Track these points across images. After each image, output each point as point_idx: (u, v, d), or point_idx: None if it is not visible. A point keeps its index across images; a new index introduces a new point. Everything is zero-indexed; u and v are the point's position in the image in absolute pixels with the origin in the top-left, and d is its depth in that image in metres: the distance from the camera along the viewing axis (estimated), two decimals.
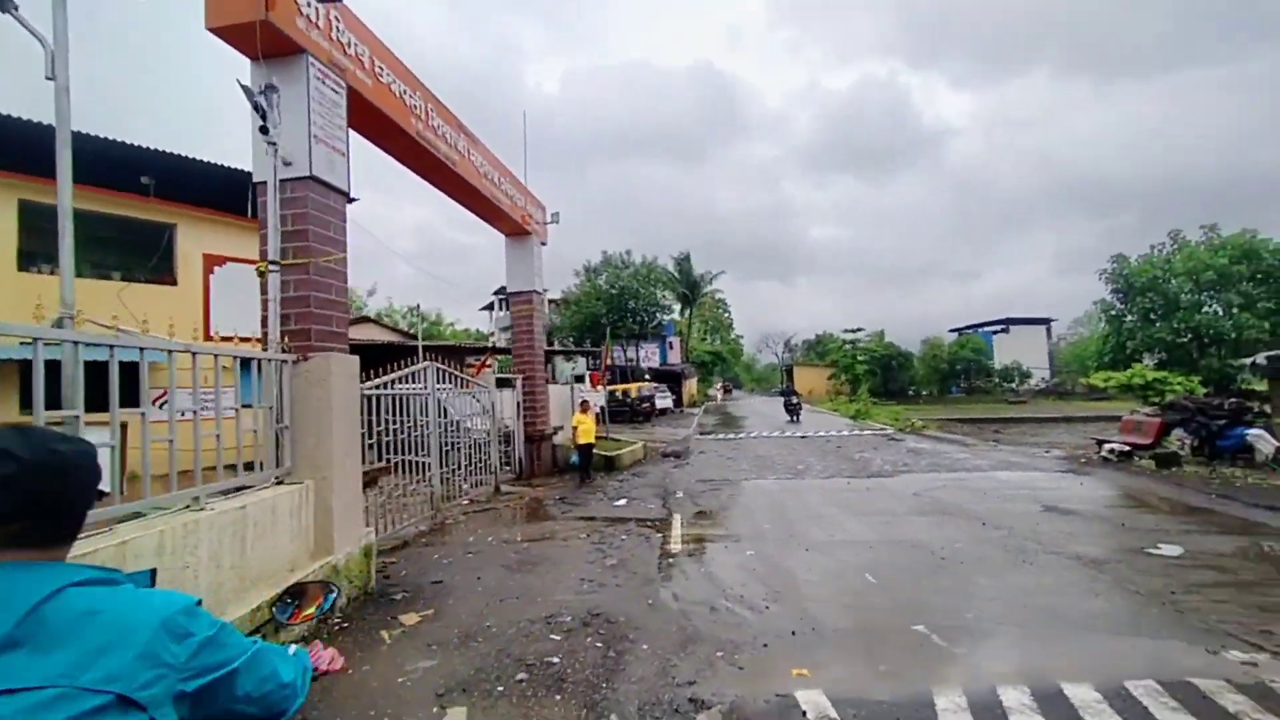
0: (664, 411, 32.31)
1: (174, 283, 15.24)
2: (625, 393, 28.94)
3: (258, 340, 15.38)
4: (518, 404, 11.88)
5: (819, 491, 9.62)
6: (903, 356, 52.90)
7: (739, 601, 4.92)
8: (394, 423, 7.93)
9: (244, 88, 4.53)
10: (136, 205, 14.86)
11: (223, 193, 16.72)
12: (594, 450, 11.77)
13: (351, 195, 6.23)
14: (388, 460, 7.49)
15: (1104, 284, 26.74)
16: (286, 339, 5.58)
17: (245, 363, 4.53)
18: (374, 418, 7.53)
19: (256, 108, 4.58)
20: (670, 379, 38.99)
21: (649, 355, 39.67)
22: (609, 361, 17.99)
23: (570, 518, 8.35)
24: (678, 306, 53.54)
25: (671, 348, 45.51)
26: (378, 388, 7.27)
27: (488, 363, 15.40)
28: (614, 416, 29.05)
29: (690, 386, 45.23)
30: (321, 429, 4.62)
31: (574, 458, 11.83)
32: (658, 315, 39.58)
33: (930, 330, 69.35)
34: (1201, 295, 24.51)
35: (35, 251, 12.76)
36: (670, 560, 6.15)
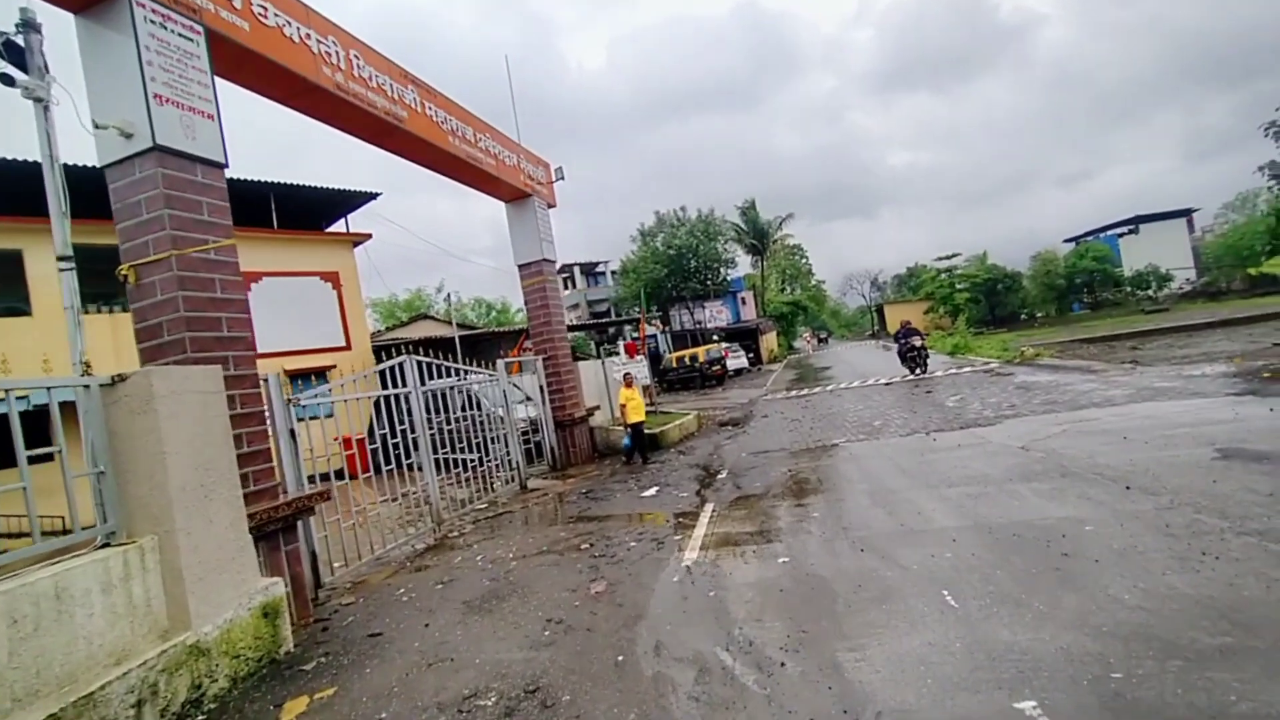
0: (739, 373, 30.36)
1: None
2: (692, 357, 27.28)
3: (306, 352, 14.93)
4: (540, 388, 10.66)
5: (892, 455, 7.66)
6: (1009, 278, 47.12)
7: (745, 654, 3.35)
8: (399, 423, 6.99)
9: None
10: None
11: (251, 208, 16.62)
12: (643, 428, 10.33)
13: (225, 163, 5.06)
14: (410, 463, 6.49)
15: (1273, 141, 21.37)
16: (144, 357, 4.55)
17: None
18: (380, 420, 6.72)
19: (9, 52, 3.39)
20: (744, 337, 36.77)
21: (717, 314, 37.52)
22: (645, 330, 16.38)
23: (582, 519, 7.02)
24: (747, 259, 50.66)
25: (744, 303, 43.01)
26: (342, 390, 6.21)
27: (526, 345, 14.31)
28: (683, 384, 27.65)
29: (769, 342, 42.64)
30: (154, 469, 3.48)
31: (625, 440, 10.52)
32: (722, 271, 37.20)
33: (1040, 244, 61.41)
34: None
35: None
36: (675, 579, 4.64)
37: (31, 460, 3.11)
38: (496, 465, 9.17)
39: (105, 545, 3.44)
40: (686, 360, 27.66)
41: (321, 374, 16.40)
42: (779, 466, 8.15)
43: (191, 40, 4.92)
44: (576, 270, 48.51)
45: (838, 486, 6.63)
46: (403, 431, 7.26)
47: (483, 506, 8.39)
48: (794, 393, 17.87)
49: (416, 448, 7.37)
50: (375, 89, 7.15)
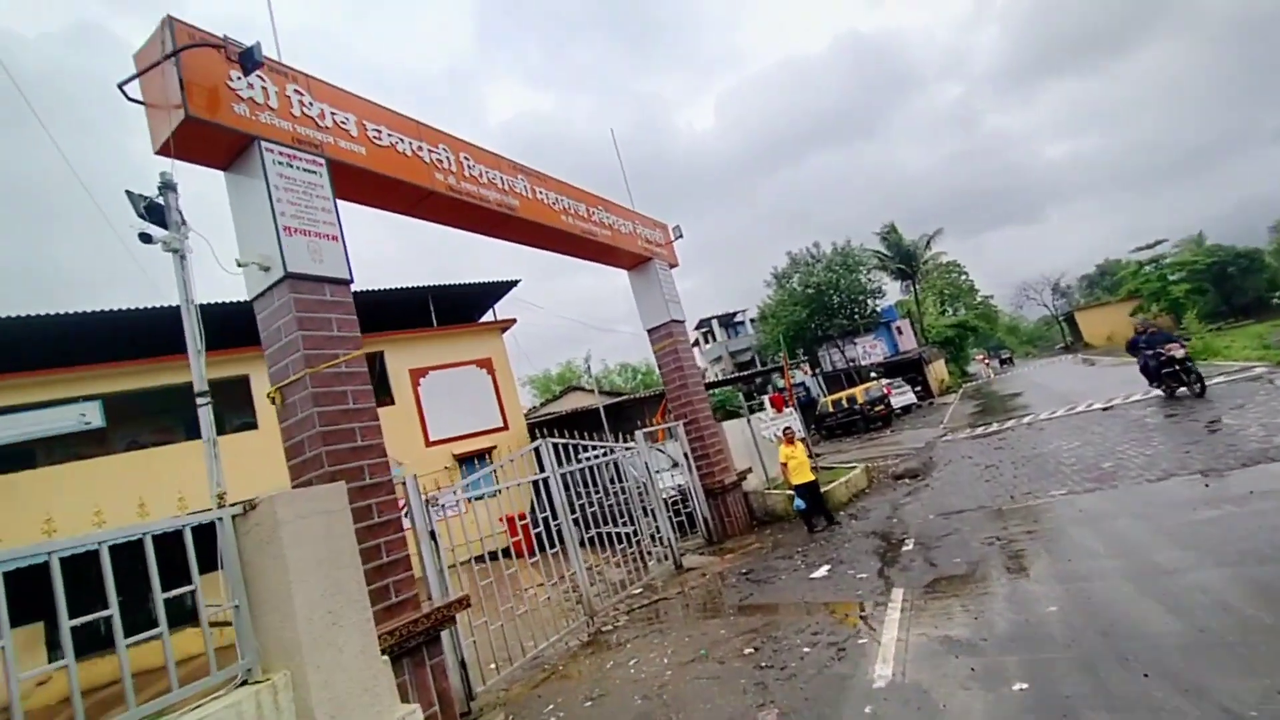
0: (907, 410, 27.30)
1: (392, 402, 16.98)
2: (850, 399, 25.05)
3: (470, 436, 15.85)
4: (685, 454, 10.00)
5: (1146, 512, 5.77)
6: (1244, 258, 38.24)
7: None
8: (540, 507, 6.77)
9: (131, 196, 3.71)
10: None
11: (413, 311, 18.61)
12: (818, 487, 9.16)
13: (350, 278, 5.25)
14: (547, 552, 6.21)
15: None
16: (292, 476, 4.65)
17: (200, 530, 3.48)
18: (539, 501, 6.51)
19: (150, 213, 3.71)
20: (907, 370, 33.33)
21: (870, 349, 34.55)
22: (790, 379, 15.10)
23: (745, 609, 6.07)
24: (896, 286, 46.78)
25: (901, 333, 39.35)
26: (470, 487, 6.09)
27: (668, 409, 13.86)
28: (843, 429, 25.34)
29: (937, 372, 38.27)
30: (282, 599, 3.33)
31: (796, 502, 9.43)
32: (869, 303, 34.48)
33: (1277, 213, 49.46)
34: None
35: None
36: (868, 710, 3.56)
37: (169, 602, 3.07)
38: (650, 540, 8.57)
39: (244, 683, 3.30)
40: (844, 403, 25.45)
41: (484, 455, 17.32)
42: (981, 533, 6.56)
43: (314, 173, 5.28)
44: (714, 323, 48.19)
45: (1074, 563, 5.02)
46: (544, 519, 6.97)
47: (638, 592, 7.76)
48: (980, 429, 15.30)
49: (572, 525, 7.01)
50: (486, 184, 7.36)
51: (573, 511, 7.15)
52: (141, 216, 3.70)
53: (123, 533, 3.03)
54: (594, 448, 8.36)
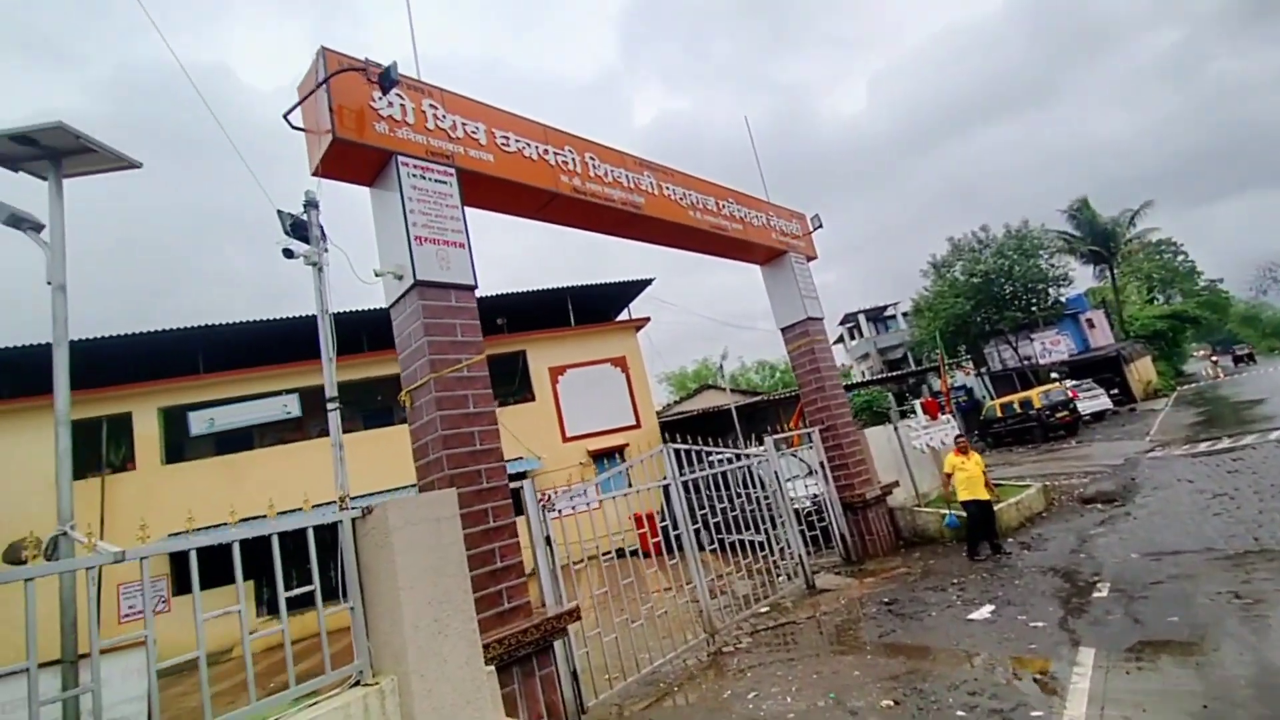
0: (1099, 417, 23.26)
1: (533, 398, 17.94)
2: (1024, 403, 21.91)
3: (604, 433, 16.56)
4: (821, 462, 9.23)
5: None
6: None
7: None
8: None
9: (280, 214, 4.05)
10: (497, 343, 18.15)
11: (552, 311, 19.47)
12: (991, 507, 8.04)
13: (474, 284, 5.37)
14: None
15: None
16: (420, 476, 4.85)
17: (319, 530, 3.71)
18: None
19: (295, 230, 4.02)
20: (1100, 369, 28.43)
21: (1051, 345, 29.94)
22: (947, 381, 13.34)
23: (885, 648, 5.33)
24: (1087, 272, 40.11)
25: (1092, 326, 33.71)
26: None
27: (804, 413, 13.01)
28: (1014, 438, 22.17)
29: (1141, 372, 32.18)
30: (392, 605, 3.43)
31: (947, 517, 8.38)
32: (1051, 291, 29.84)
33: None
34: None
35: (181, 444, 14.74)
36: None
37: (292, 602, 3.26)
38: (780, 554, 8.00)
39: (356, 684, 3.43)
40: (1016, 407, 22.31)
41: (618, 453, 17.63)
42: (1210, 584, 5.16)
43: (445, 183, 5.48)
44: (862, 318, 45.00)
45: None
46: (663, 528, 6.74)
47: (764, 611, 7.25)
48: (1204, 445, 12.44)
49: (694, 536, 6.74)
50: (611, 183, 7.27)
51: (694, 520, 6.83)
52: (287, 233, 4.00)
53: (290, 523, 3.27)
54: (718, 453, 7.96)
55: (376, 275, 5.10)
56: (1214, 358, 41.62)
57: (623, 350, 19.02)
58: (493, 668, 3.84)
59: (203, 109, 7.96)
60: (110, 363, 14.36)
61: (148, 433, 14.09)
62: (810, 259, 10.70)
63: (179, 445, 14.60)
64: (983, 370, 33.24)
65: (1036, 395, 21.60)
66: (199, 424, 13.96)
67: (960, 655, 4.85)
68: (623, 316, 20.81)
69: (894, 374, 29.87)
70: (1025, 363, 30.25)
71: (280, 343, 14.96)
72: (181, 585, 12.38)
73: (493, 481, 4.81)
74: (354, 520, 3.56)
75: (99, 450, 13.56)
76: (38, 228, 3.46)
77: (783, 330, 10.24)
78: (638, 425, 18.22)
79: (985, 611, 5.68)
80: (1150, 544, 6.66)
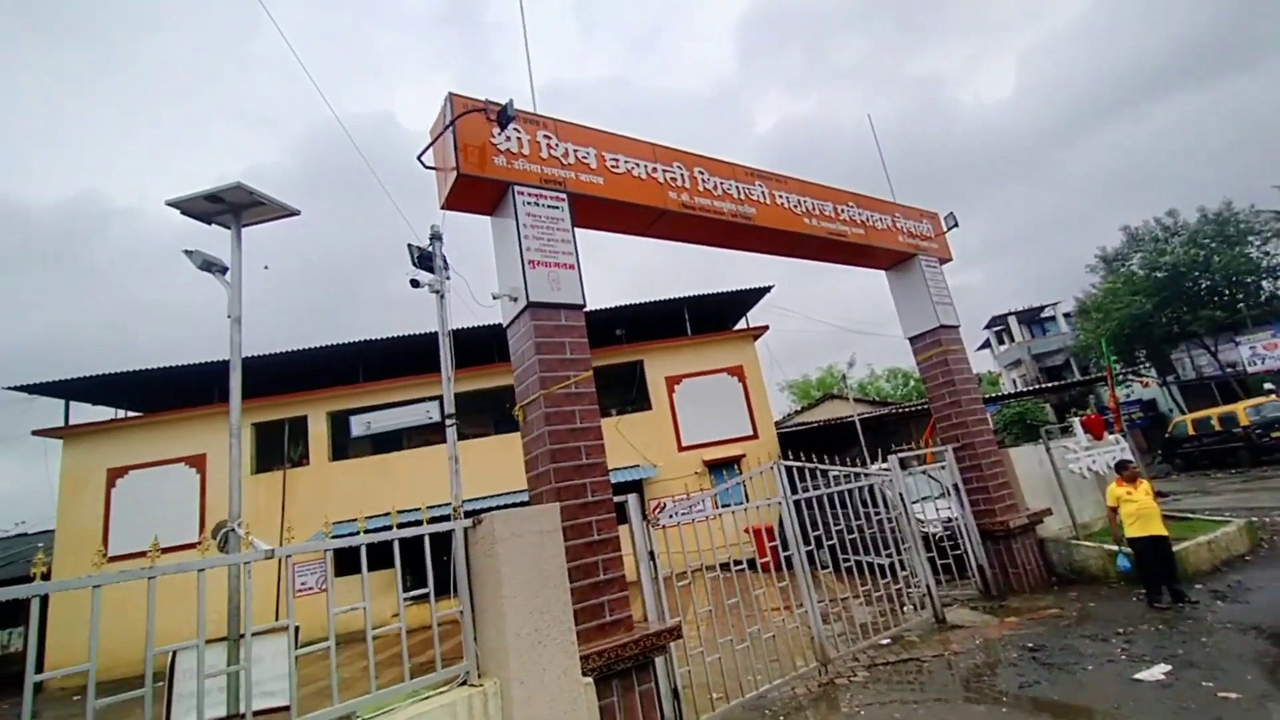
0: None
1: (649, 407, 18.26)
2: (1225, 419, 18.50)
3: (720, 443, 16.61)
4: (954, 485, 8.43)
5: None
6: None
7: None
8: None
9: (410, 248, 4.51)
10: (615, 354, 18.69)
11: (669, 321, 19.68)
12: (1169, 545, 6.90)
13: (583, 303, 5.58)
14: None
15: None
16: (531, 488, 5.11)
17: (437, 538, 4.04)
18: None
19: (421, 261, 4.46)
20: None
21: (1264, 350, 24.86)
22: (1115, 397, 11.50)
23: (1027, 703, 4.73)
24: None
25: None
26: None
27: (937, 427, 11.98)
28: (1212, 461, 18.66)
29: None
30: (496, 612, 3.67)
31: (1119, 558, 7.27)
32: (1262, 285, 24.87)
33: None
34: None
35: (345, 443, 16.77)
36: None
37: (410, 600, 3.60)
38: (906, 583, 7.42)
39: (463, 684, 3.70)
40: (1215, 423, 18.85)
41: (734, 463, 17.38)
42: None
43: (557, 208, 5.77)
44: (1012, 320, 40.51)
45: None
46: (772, 547, 6.53)
47: (885, 643, 6.75)
48: None
49: (805, 557, 6.48)
50: (721, 196, 7.21)
51: (807, 543, 6.54)
52: (415, 265, 4.44)
53: (407, 531, 3.62)
54: (836, 470, 7.56)
55: (494, 298, 5.48)
56: None
57: (740, 359, 18.74)
58: (591, 680, 3.94)
59: (371, 155, 9.09)
60: (290, 370, 16.80)
61: (319, 433, 16.30)
62: (944, 261, 9.86)
63: (343, 444, 16.71)
64: (1170, 379, 28.49)
65: (1243, 410, 18.09)
66: (358, 427, 15.89)
67: None
68: (740, 325, 20.52)
69: (1052, 384, 26.43)
70: (1228, 370, 25.48)
71: (427, 355, 16.57)
72: (342, 568, 14.11)
73: (598, 495, 4.96)
74: (465, 530, 3.85)
75: (281, 447, 15.90)
76: (224, 270, 4.15)
77: (911, 340, 9.52)
78: (755, 436, 17.84)
79: (1158, 672, 4.84)
80: None
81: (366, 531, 3.39)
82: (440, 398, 16.03)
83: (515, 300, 5.45)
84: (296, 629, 3.14)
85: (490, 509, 3.98)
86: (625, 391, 18.85)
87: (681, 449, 17.68)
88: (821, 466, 7.30)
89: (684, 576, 5.65)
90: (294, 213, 4.17)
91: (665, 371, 18.40)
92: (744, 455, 17.30)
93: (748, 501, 6.86)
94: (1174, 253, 25.75)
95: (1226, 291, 25.28)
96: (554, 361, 5.24)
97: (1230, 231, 25.11)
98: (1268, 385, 22.21)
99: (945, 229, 10.00)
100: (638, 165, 6.56)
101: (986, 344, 43.96)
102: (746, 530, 7.86)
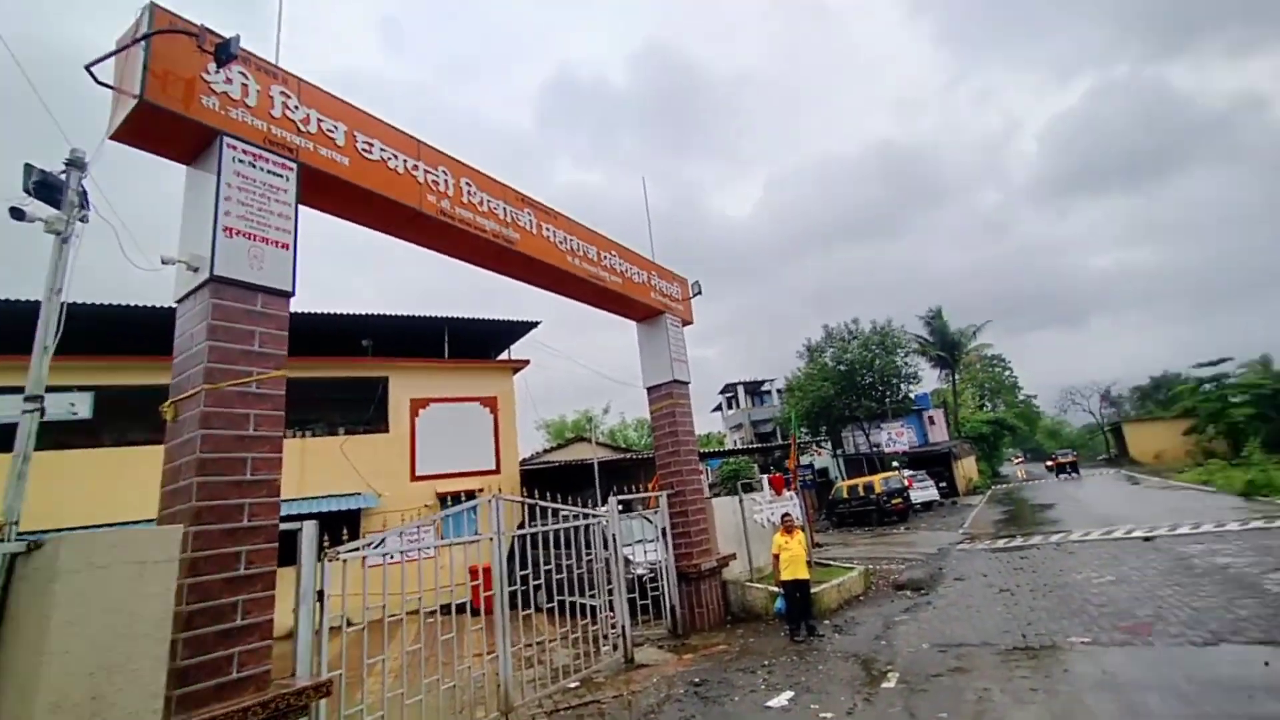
0: (927, 507, 25.64)
1: (386, 429, 16.55)
2: (867, 487, 23.61)
3: (459, 475, 15.26)
4: (662, 529, 9.12)
5: (1187, 694, 4.69)
6: None
7: None
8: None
9: (28, 168, 3.32)
10: (357, 365, 16.71)
11: (426, 340, 18.36)
12: (809, 588, 8.15)
13: (291, 291, 4.79)
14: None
15: None
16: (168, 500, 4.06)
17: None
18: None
19: (41, 189, 3.30)
20: (934, 463, 31.53)
21: (897, 436, 32.94)
22: (796, 460, 14.08)
23: None
24: (934, 374, 45.27)
25: (932, 424, 37.59)
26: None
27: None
28: (855, 519, 23.76)
29: (965, 469, 36.19)
30: (29, 672, 2.65)
31: (778, 602, 8.33)
32: (903, 387, 33.12)
33: None
34: None
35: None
36: None
37: None
38: (607, 623, 7.65)
39: None
40: (860, 490, 24.01)
41: (468, 496, 16.57)
42: (980, 679, 5.50)
43: (280, 175, 4.92)
44: (740, 389, 47.21)
45: None
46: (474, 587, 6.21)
47: (574, 685, 6.79)
48: (1002, 542, 13.90)
49: (508, 598, 6.21)
50: (486, 213, 6.98)
51: (513, 582, 6.36)
52: (28, 191, 3.29)
53: None
54: (557, 509, 7.59)
55: (164, 263, 4.37)
56: (1021, 463, 48.36)
57: (495, 390, 18.22)
58: None
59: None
60: None
61: None
62: (686, 323, 10.93)
63: None
64: (839, 452, 35.72)
65: (879, 481, 23.38)
66: None
67: None
68: (503, 356, 20.12)
69: (761, 446, 31.26)
70: (874, 449, 32.92)
71: (81, 331, 12.73)
72: None
73: (256, 520, 4.10)
74: (13, 556, 2.80)
75: None
76: None
77: (648, 390, 10.26)
78: (497, 470, 17.33)
79: (784, 699, 5.66)
80: (941, 635, 7.10)
81: None
82: (93, 388, 12.46)
83: (195, 270, 4.43)
84: None
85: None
86: (361, 409, 16.87)
87: (415, 478, 16.28)
88: (544, 503, 7.27)
89: (394, 619, 4.99)
90: None
91: (413, 393, 16.95)
92: (482, 489, 16.62)
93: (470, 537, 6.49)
94: (853, 351, 32.90)
95: (881, 388, 32.98)
96: (234, 352, 4.32)
97: (889, 342, 33.09)
98: (895, 463, 29.26)
99: (691, 294, 11.18)
100: (396, 157, 6.02)
101: (719, 407, 50.32)
102: (473, 569, 7.43)
